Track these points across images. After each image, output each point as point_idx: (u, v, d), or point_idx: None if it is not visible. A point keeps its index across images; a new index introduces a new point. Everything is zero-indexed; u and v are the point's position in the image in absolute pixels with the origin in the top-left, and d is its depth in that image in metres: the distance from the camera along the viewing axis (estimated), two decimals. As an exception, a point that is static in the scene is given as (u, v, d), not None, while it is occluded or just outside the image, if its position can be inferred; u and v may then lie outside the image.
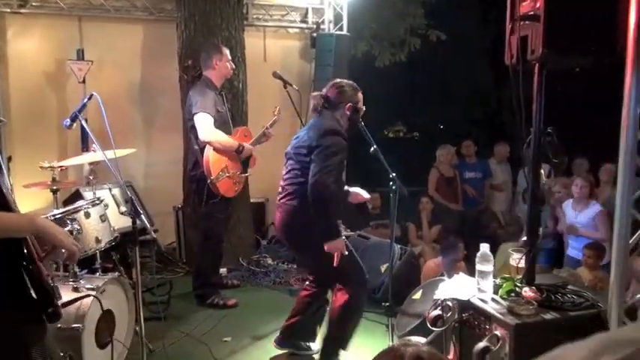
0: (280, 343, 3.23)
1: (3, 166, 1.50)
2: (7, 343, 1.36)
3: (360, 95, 3.01)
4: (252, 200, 5.23)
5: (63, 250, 1.51)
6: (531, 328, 2.00)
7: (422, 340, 2.84)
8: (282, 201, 2.96)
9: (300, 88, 4.54)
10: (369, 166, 3.65)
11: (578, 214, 4.56)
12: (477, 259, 2.21)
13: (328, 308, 3.15)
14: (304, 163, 2.85)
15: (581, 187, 4.52)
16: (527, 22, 2.06)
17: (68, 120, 2.72)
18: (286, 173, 2.99)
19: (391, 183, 3.31)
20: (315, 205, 2.74)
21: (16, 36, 5.06)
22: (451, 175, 5.83)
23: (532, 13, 2.03)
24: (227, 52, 4.06)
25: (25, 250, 1.40)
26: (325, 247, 2.75)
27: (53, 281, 1.47)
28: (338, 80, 3.05)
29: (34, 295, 1.39)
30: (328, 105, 2.95)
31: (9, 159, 4.69)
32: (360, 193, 3.22)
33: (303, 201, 2.81)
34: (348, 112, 2.94)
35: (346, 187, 3.16)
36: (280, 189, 3.01)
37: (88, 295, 2.50)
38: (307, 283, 3.30)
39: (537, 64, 2.10)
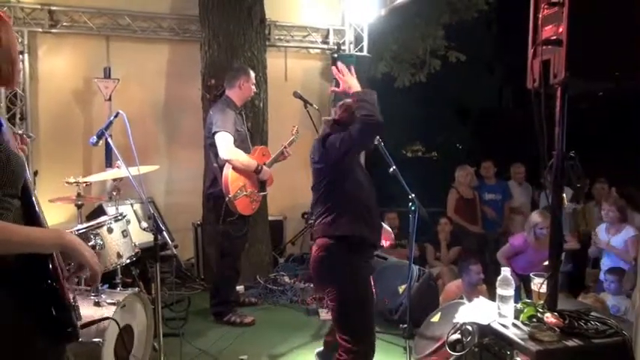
0: (323, 357, 3.10)
1: (31, 182, 1.53)
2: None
3: None
4: (270, 218, 5.26)
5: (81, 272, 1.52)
6: (553, 355, 1.96)
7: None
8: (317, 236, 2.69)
9: (320, 107, 4.60)
10: (387, 185, 3.66)
11: (611, 238, 4.50)
12: (497, 283, 2.18)
13: None
14: (327, 191, 2.64)
15: (608, 211, 4.49)
16: (549, 46, 2.07)
17: (95, 137, 2.81)
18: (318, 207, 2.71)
19: (410, 204, 3.31)
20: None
21: (47, 55, 5.23)
22: (470, 196, 5.79)
23: (554, 37, 2.04)
24: (252, 74, 4.14)
25: (50, 267, 1.40)
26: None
27: (75, 300, 1.48)
28: (347, 101, 2.78)
29: (54, 312, 1.39)
30: (340, 128, 2.69)
31: (35, 173, 4.81)
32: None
33: (333, 239, 2.58)
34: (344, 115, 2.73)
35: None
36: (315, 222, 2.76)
37: (107, 318, 2.52)
38: None
39: (560, 88, 2.10)
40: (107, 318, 2.56)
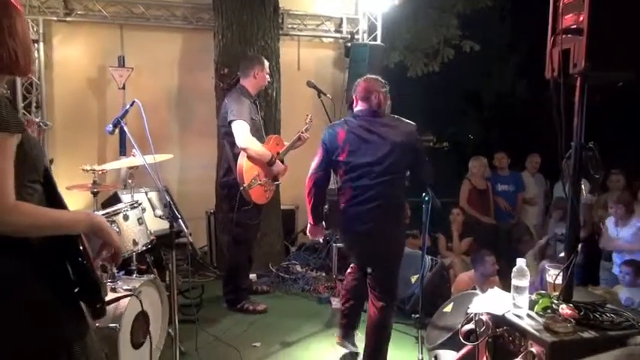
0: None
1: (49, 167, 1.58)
2: (50, 338, 1.40)
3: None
4: (282, 207, 5.28)
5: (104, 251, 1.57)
6: (568, 346, 1.95)
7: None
8: (378, 206, 2.85)
9: (333, 97, 4.58)
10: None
11: (619, 230, 4.55)
12: (512, 274, 2.18)
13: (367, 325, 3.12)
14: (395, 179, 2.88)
15: (616, 209, 4.57)
16: (569, 35, 2.04)
17: (110, 126, 2.83)
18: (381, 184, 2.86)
19: (424, 194, 3.30)
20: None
21: (61, 43, 5.27)
22: (483, 187, 5.76)
23: (575, 26, 2.01)
24: (267, 64, 4.13)
25: (81, 247, 1.45)
26: None
27: (102, 278, 1.53)
28: (379, 82, 2.99)
29: (83, 290, 1.43)
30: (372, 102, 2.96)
31: (51, 161, 4.87)
32: None
33: (400, 209, 2.99)
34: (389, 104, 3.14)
35: None
36: (366, 194, 2.86)
37: (130, 295, 2.56)
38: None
39: (579, 78, 2.07)
40: (130, 294, 2.59)
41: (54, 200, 1.49)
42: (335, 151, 2.91)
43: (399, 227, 3.05)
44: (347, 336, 3.28)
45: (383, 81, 3.01)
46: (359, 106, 2.98)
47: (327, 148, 2.95)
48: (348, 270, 3.32)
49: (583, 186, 2.14)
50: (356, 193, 2.86)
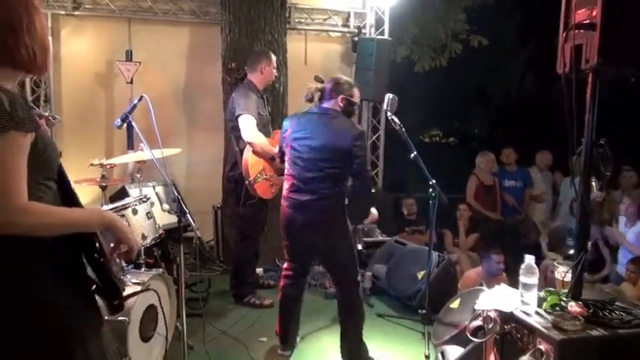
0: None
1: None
2: (65, 335, 1.39)
3: (356, 91, 3.13)
4: (289, 202, 5.27)
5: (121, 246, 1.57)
6: (577, 344, 1.94)
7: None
8: (316, 201, 3.00)
9: (341, 92, 4.56)
10: (405, 171, 3.65)
11: (627, 231, 4.56)
12: (521, 271, 2.17)
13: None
14: (340, 164, 2.98)
15: (627, 206, 4.57)
16: (582, 30, 2.02)
17: (119, 120, 2.82)
18: (321, 177, 2.99)
19: (431, 190, 3.29)
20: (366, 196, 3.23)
21: (69, 37, 5.28)
22: (490, 182, 5.74)
23: (588, 21, 1.98)
24: (274, 58, 4.12)
25: (97, 244, 1.45)
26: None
27: (120, 275, 1.53)
28: (337, 76, 3.21)
29: (100, 286, 1.44)
30: (323, 97, 3.11)
31: (60, 154, 4.88)
32: None
33: (340, 201, 3.05)
34: (341, 104, 3.06)
35: None
36: (309, 190, 3.01)
37: (146, 290, 2.58)
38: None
39: (591, 74, 2.05)
40: (147, 289, 2.63)
41: (68, 197, 1.49)
42: (283, 140, 3.18)
43: (339, 217, 3.06)
44: (289, 345, 3.35)
45: (349, 82, 3.13)
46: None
47: (282, 136, 3.20)
48: (283, 273, 3.37)
49: (593, 183, 2.12)
50: (294, 183, 3.07)
